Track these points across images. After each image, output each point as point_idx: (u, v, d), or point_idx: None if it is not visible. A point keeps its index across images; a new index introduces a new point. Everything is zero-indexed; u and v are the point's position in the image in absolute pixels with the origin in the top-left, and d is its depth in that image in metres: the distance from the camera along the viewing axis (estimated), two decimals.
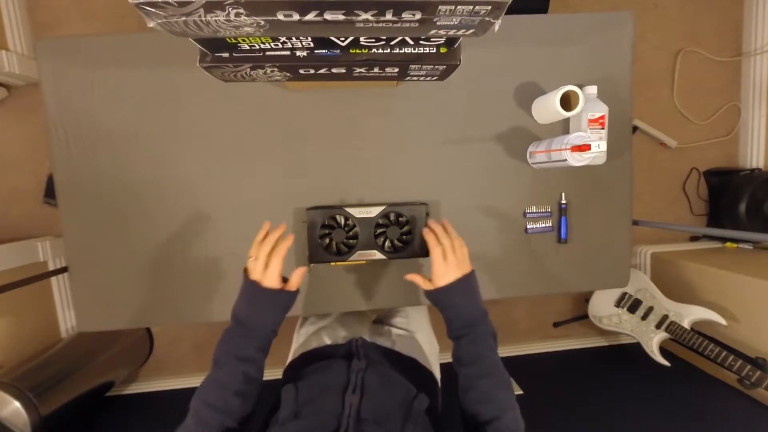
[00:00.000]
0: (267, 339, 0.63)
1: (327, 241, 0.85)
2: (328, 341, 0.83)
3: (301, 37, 0.53)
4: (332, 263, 0.87)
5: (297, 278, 0.67)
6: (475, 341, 0.64)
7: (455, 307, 0.67)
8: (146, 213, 0.89)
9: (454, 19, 0.45)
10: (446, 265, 0.68)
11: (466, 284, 0.68)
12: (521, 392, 1.49)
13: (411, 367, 0.78)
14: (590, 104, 0.86)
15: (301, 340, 0.89)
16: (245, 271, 0.66)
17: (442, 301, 0.68)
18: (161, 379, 1.77)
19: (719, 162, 1.90)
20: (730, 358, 1.27)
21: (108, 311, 0.91)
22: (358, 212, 0.85)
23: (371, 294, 0.93)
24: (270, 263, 0.64)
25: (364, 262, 0.88)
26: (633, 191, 0.97)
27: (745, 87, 1.85)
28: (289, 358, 0.86)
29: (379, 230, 0.86)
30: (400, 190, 0.92)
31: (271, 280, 0.63)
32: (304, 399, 0.55)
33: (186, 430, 0.55)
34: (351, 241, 0.85)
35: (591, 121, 0.86)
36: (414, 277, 0.73)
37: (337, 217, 0.85)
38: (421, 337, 0.89)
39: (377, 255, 0.85)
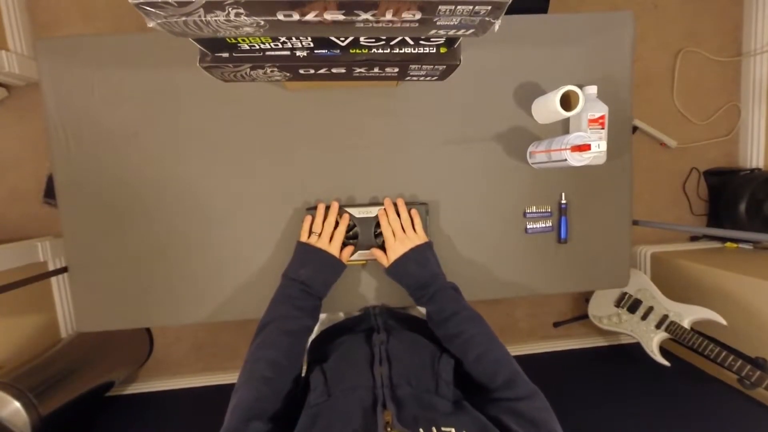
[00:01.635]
0: (320, 300, 0.75)
1: None
2: (343, 316, 0.88)
3: (301, 37, 0.53)
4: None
5: (347, 253, 0.81)
6: (433, 299, 0.71)
7: (410, 275, 0.75)
8: (146, 213, 0.89)
9: (454, 19, 0.45)
10: (396, 241, 0.77)
11: (418, 253, 0.76)
12: None
13: (429, 328, 0.79)
14: (590, 104, 0.86)
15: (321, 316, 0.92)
16: (303, 244, 0.79)
17: (398, 272, 0.76)
18: (161, 379, 1.77)
19: (719, 162, 1.90)
20: (730, 358, 1.27)
21: (108, 311, 0.91)
22: (358, 212, 0.85)
23: (373, 294, 0.93)
24: (335, 237, 0.79)
25: (364, 262, 0.88)
26: (633, 191, 0.97)
27: (745, 87, 1.85)
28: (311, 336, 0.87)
29: (379, 230, 0.86)
30: (400, 190, 0.92)
31: (335, 250, 0.78)
32: (333, 379, 0.55)
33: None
34: (351, 241, 0.85)
35: (591, 121, 0.86)
36: (376, 252, 0.82)
37: (337, 217, 0.85)
38: None
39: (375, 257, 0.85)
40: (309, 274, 0.74)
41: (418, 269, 0.75)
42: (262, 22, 0.45)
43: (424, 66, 0.64)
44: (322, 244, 0.78)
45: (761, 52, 1.77)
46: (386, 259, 0.79)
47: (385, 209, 0.83)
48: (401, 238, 0.78)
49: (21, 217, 1.64)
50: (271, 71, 0.65)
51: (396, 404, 0.48)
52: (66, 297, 1.66)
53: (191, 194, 0.89)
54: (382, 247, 0.83)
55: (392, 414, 0.46)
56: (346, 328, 0.77)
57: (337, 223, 0.82)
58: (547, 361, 1.83)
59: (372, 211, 0.85)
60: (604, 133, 0.87)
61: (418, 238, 0.79)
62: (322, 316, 0.94)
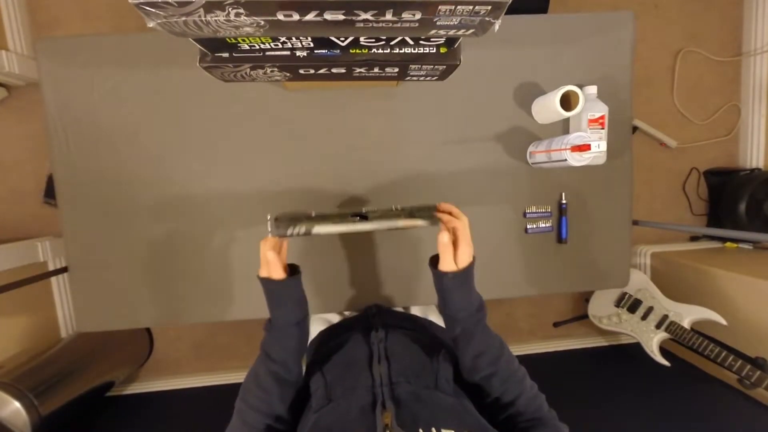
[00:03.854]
0: (286, 334, 0.60)
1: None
2: (345, 315, 0.87)
3: (301, 37, 0.53)
4: (299, 228, 0.62)
5: (270, 261, 0.59)
6: (487, 326, 0.60)
7: (472, 290, 0.61)
8: (146, 213, 0.89)
9: (454, 19, 0.45)
10: (470, 246, 0.60)
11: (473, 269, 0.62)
12: None
13: (428, 327, 0.79)
14: (590, 104, 0.86)
15: (318, 318, 0.92)
16: None
17: (466, 281, 0.60)
18: (161, 379, 1.77)
19: (719, 162, 1.90)
20: (730, 358, 1.27)
21: (108, 311, 0.91)
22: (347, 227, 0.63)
23: (373, 294, 0.93)
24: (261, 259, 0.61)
25: (341, 230, 0.63)
26: (633, 191, 0.97)
27: (745, 87, 1.85)
28: (310, 338, 0.86)
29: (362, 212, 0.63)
30: (400, 190, 0.92)
31: (261, 270, 0.61)
32: (333, 381, 0.55)
33: (233, 429, 0.56)
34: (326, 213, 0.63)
35: (591, 121, 0.86)
36: (446, 247, 0.58)
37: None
38: (431, 307, 0.94)
39: (356, 224, 0.62)
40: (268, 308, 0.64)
41: (473, 286, 0.62)
42: (262, 22, 0.45)
43: (424, 66, 0.64)
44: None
45: (761, 52, 1.77)
46: (453, 259, 0.58)
47: (444, 210, 0.64)
48: (471, 243, 0.61)
49: (21, 217, 1.64)
50: (271, 71, 0.65)
51: (395, 404, 0.48)
52: (66, 297, 1.66)
53: (191, 194, 0.89)
54: (366, 217, 0.63)
55: (391, 415, 0.45)
56: (345, 328, 0.77)
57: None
58: (547, 361, 1.83)
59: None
60: (604, 133, 0.87)
61: None
62: (322, 315, 0.94)
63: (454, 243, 0.59)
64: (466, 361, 0.58)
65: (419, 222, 0.63)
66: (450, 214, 0.63)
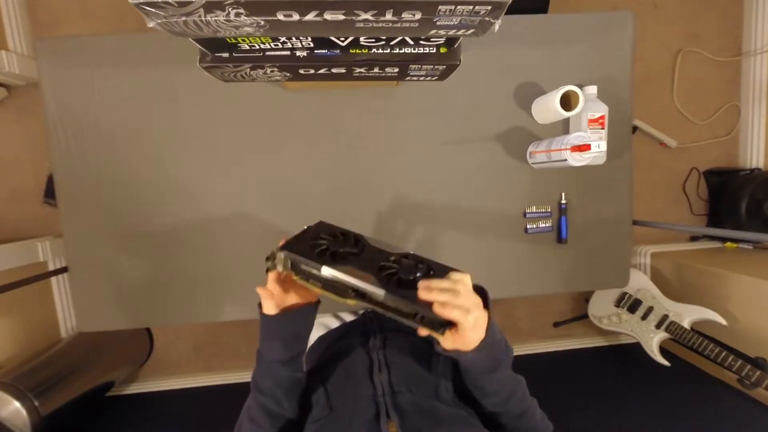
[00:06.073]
0: (275, 371, 0.54)
1: (321, 243, 0.56)
2: (343, 319, 0.86)
3: (301, 37, 0.53)
4: (306, 270, 0.53)
5: (264, 298, 0.53)
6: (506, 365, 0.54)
7: (498, 346, 0.50)
8: (146, 213, 0.89)
9: (454, 19, 0.45)
10: (476, 327, 0.46)
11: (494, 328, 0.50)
12: None
13: None
14: (590, 104, 0.86)
15: (315, 322, 0.90)
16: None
17: (492, 346, 0.49)
18: (161, 379, 1.77)
19: (719, 162, 1.90)
20: (730, 358, 1.26)
21: (108, 311, 0.91)
22: (374, 243, 0.58)
23: None
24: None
25: (349, 284, 0.51)
26: (633, 191, 0.97)
27: (745, 87, 1.85)
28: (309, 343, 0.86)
29: (390, 264, 0.53)
30: (399, 191, 0.92)
31: (265, 306, 0.55)
32: (334, 391, 0.54)
33: None
34: (348, 250, 0.56)
35: (591, 121, 0.86)
36: (455, 337, 0.47)
37: (348, 235, 0.59)
38: None
39: (369, 287, 0.49)
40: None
41: (499, 334, 0.51)
42: (262, 22, 0.45)
43: (424, 66, 0.64)
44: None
45: (761, 52, 1.77)
46: (466, 337, 0.46)
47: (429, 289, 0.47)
48: (479, 321, 0.46)
49: (21, 217, 1.64)
50: (271, 71, 0.65)
51: (399, 414, 0.47)
52: (66, 297, 1.66)
53: (191, 194, 0.89)
54: (384, 284, 0.50)
55: (396, 425, 0.45)
56: (342, 334, 0.76)
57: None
58: (547, 361, 1.83)
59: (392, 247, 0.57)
60: (604, 133, 0.87)
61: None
62: (319, 320, 0.93)
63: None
64: (487, 405, 0.53)
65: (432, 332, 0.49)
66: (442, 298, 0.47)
